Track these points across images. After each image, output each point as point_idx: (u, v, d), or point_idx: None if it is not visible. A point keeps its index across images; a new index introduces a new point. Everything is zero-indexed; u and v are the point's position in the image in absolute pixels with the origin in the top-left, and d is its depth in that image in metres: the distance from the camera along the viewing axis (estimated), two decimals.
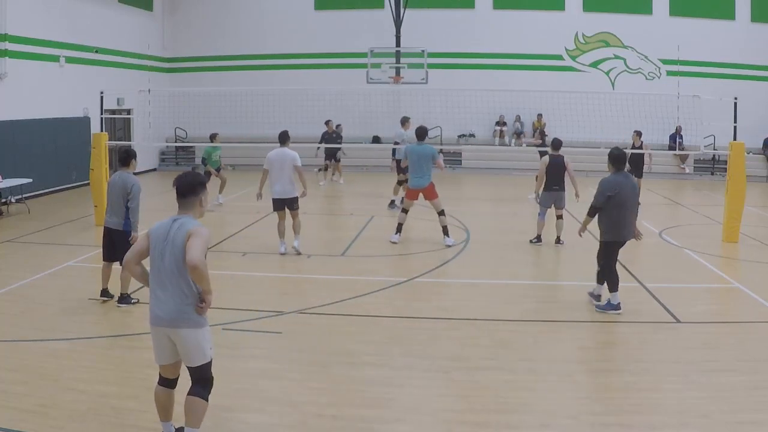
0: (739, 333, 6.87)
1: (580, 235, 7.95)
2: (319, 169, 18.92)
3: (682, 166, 22.41)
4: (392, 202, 14.56)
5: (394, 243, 10.91)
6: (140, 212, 7.67)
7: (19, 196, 14.71)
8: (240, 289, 8.42)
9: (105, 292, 7.71)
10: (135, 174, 7.86)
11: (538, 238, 11.12)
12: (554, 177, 10.81)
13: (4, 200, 14.31)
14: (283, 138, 10.40)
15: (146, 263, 4.42)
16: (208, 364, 4.31)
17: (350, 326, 7.03)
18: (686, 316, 7.32)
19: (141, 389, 5.36)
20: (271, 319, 7.19)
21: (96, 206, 12.47)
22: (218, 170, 15.11)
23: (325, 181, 18.77)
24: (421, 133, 10.92)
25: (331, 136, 18.26)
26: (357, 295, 8.05)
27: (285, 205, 10.12)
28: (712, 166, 22.56)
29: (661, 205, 16.71)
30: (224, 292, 8.28)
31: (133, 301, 7.65)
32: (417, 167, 10.65)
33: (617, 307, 7.37)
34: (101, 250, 7.82)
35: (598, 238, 7.79)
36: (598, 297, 7.72)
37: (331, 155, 18.73)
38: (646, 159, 15.10)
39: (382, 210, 14.35)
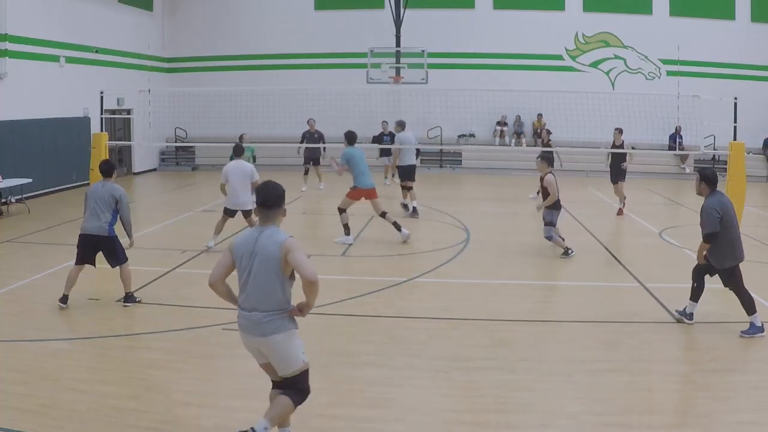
0: (739, 333, 6.87)
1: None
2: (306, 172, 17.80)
3: (683, 166, 22.41)
4: (404, 206, 14.15)
5: (348, 244, 11.00)
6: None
7: (19, 196, 14.71)
8: None
9: (66, 299, 7.46)
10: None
11: (566, 251, 10.23)
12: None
13: (4, 200, 14.31)
14: (238, 151, 10.69)
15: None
16: (305, 373, 4.29)
17: (350, 326, 7.03)
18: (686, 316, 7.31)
19: (141, 389, 5.37)
20: None
21: None
22: None
23: (306, 187, 17.41)
24: (352, 137, 11.29)
25: (312, 136, 17.34)
26: (357, 295, 8.06)
27: (241, 212, 10.36)
28: (712, 166, 22.51)
29: (661, 205, 16.72)
30: None
31: (138, 299, 7.69)
32: (363, 169, 11.06)
33: (762, 329, 6.73)
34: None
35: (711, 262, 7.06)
36: (690, 315, 7.17)
37: (312, 158, 17.55)
38: (627, 159, 14.12)
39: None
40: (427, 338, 6.76)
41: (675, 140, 19.61)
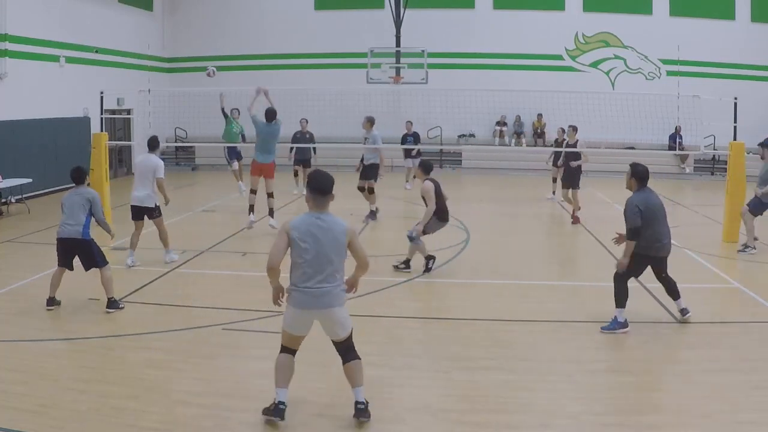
0: (739, 333, 6.88)
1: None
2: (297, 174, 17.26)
3: (683, 166, 22.41)
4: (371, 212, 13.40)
5: (251, 224, 11.62)
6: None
7: (19, 196, 14.71)
8: (240, 289, 8.42)
9: (52, 301, 7.45)
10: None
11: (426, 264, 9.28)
12: None
13: (4, 200, 14.31)
14: (152, 144, 9.90)
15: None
16: (351, 334, 5.00)
17: None
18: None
19: (141, 389, 5.37)
20: (271, 319, 7.18)
21: None
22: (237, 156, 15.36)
23: (299, 189, 16.76)
24: (271, 114, 11.65)
25: (304, 137, 16.90)
26: (357, 295, 8.02)
27: (143, 213, 9.61)
28: (712, 166, 22.55)
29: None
30: (224, 292, 8.30)
31: (120, 306, 7.48)
32: (264, 145, 11.45)
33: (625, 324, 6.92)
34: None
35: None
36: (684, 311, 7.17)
37: (303, 160, 16.93)
38: (582, 159, 13.17)
39: (382, 210, 14.33)
40: (427, 338, 6.76)
41: (675, 140, 19.60)
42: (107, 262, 7.59)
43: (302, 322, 4.85)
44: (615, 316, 6.92)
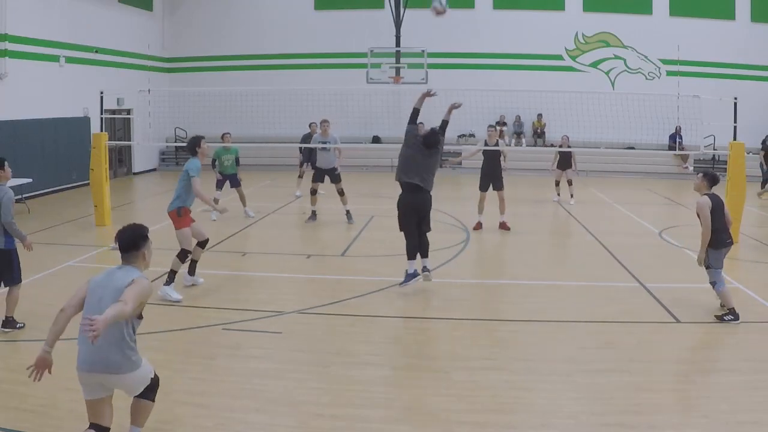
0: (739, 333, 6.87)
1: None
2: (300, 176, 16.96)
3: (685, 166, 22.41)
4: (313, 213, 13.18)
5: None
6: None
7: (19, 196, 14.68)
8: (240, 289, 8.42)
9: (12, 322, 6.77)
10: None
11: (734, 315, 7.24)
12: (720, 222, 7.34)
13: None
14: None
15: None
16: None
17: (350, 326, 7.03)
18: (686, 316, 7.32)
19: None
20: (271, 319, 7.19)
21: (96, 206, 12.48)
22: (236, 180, 13.74)
23: (300, 191, 16.53)
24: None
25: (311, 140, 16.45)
26: (357, 295, 8.06)
27: None
28: (712, 166, 22.51)
29: (661, 205, 16.72)
30: (224, 292, 8.30)
31: (19, 325, 6.81)
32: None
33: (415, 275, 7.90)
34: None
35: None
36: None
37: (311, 161, 16.34)
38: (502, 160, 13.00)
39: (381, 210, 14.35)
40: (427, 338, 6.76)
41: (675, 140, 19.61)
42: (21, 281, 6.94)
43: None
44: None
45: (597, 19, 23.38)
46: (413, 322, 7.26)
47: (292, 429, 4.84)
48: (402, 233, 8.17)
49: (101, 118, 14.14)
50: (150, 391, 4.32)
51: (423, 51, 20.42)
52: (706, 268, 7.25)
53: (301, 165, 16.63)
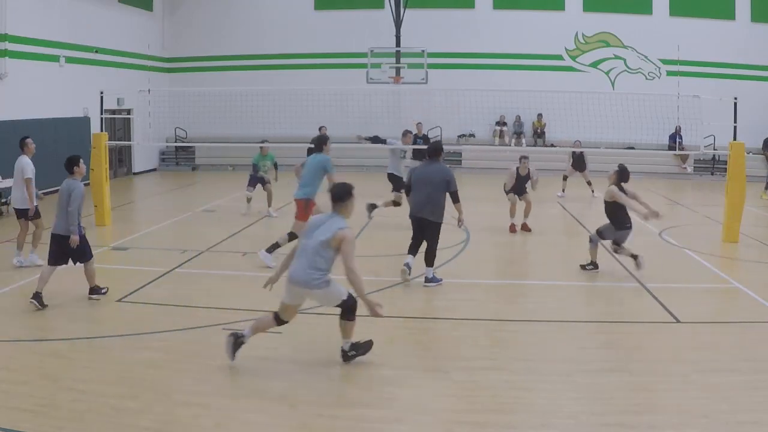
0: (739, 333, 6.88)
1: None
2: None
3: (684, 166, 22.41)
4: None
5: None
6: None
7: None
8: (240, 289, 8.42)
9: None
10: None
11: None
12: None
13: (4, 200, 14.30)
14: (21, 145, 9.99)
15: None
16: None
17: None
18: (686, 316, 7.32)
19: (141, 389, 5.36)
20: None
21: (96, 206, 12.47)
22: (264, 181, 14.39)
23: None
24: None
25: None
26: (357, 294, 8.03)
27: (22, 215, 9.65)
28: (712, 166, 22.55)
29: (661, 205, 16.69)
30: (224, 292, 8.30)
31: (103, 290, 7.83)
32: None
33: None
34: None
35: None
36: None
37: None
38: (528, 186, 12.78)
39: (381, 210, 14.34)
40: (427, 338, 6.76)
41: (675, 140, 19.60)
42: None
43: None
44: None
45: (597, 19, 23.38)
46: (413, 322, 7.26)
47: (292, 429, 4.84)
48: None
49: (101, 118, 14.15)
50: (349, 312, 5.83)
51: (423, 51, 20.43)
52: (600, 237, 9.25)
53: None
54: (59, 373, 5.67)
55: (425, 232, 8.61)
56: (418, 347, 6.45)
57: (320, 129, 17.63)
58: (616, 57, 23.49)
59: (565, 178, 17.18)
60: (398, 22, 21.93)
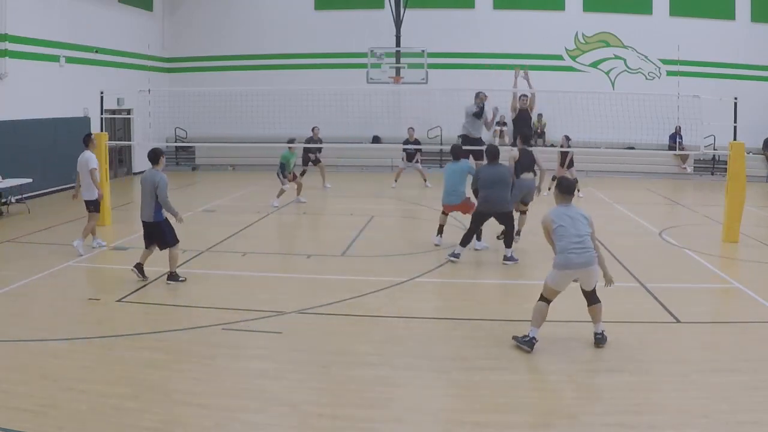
0: (739, 333, 6.87)
1: None
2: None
3: (684, 166, 22.40)
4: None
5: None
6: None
7: (19, 196, 14.70)
8: (240, 289, 8.42)
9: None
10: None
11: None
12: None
13: (4, 200, 14.30)
14: (86, 141, 10.81)
15: None
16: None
17: (350, 326, 7.03)
18: (686, 316, 7.32)
19: (141, 389, 5.37)
20: (271, 319, 7.19)
21: None
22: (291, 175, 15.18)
23: (305, 198, 16.30)
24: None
25: (316, 144, 17.77)
26: (357, 295, 8.05)
27: (91, 205, 10.55)
28: (712, 166, 22.55)
29: (661, 205, 16.72)
30: (224, 292, 8.30)
31: (181, 279, 8.38)
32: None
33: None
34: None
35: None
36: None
37: (312, 159, 17.88)
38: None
39: (381, 210, 14.37)
40: (427, 338, 6.76)
41: (675, 140, 19.60)
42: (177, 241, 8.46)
43: (569, 281, 6.31)
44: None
45: (597, 19, 23.36)
46: (413, 322, 7.26)
47: (292, 429, 4.84)
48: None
49: (101, 118, 14.14)
50: (595, 294, 6.40)
51: (423, 51, 20.41)
52: None
53: (305, 164, 16.96)
54: (59, 373, 5.67)
55: (503, 221, 9.87)
56: (418, 347, 6.45)
57: (313, 129, 17.69)
58: (616, 57, 23.47)
59: (554, 178, 16.95)
60: (398, 22, 21.92)
